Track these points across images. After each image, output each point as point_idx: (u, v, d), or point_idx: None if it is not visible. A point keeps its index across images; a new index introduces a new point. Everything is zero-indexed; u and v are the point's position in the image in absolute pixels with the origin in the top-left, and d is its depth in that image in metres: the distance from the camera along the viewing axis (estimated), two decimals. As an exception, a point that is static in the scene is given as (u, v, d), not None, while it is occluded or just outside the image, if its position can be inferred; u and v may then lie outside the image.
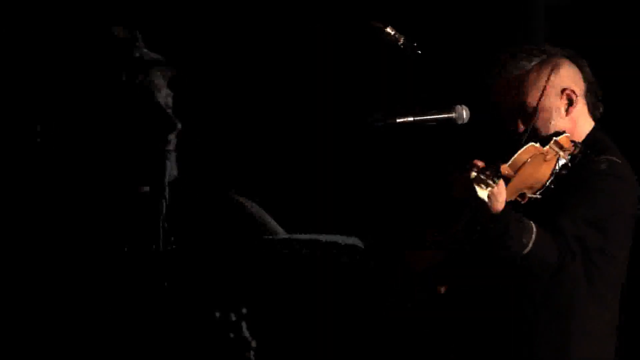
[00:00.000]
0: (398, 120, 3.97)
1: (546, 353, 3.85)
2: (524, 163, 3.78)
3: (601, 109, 4.08)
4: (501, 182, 3.66)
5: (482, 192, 3.66)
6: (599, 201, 3.85)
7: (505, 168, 3.74)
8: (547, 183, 3.81)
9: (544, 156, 3.83)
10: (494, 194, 3.65)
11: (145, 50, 2.60)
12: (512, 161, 3.80)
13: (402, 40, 4.40)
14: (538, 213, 3.79)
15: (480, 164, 3.68)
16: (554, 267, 3.75)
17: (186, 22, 4.28)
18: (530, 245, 3.69)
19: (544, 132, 3.95)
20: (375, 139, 3.84)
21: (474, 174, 3.67)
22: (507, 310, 3.88)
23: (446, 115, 3.99)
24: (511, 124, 4.00)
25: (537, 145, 3.85)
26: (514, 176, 3.74)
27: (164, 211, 2.28)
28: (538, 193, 3.81)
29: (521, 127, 3.98)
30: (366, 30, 4.47)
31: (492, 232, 3.70)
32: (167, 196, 2.32)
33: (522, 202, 3.81)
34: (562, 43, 5.12)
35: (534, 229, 3.71)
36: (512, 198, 3.80)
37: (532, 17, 5.14)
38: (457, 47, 4.35)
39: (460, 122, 3.97)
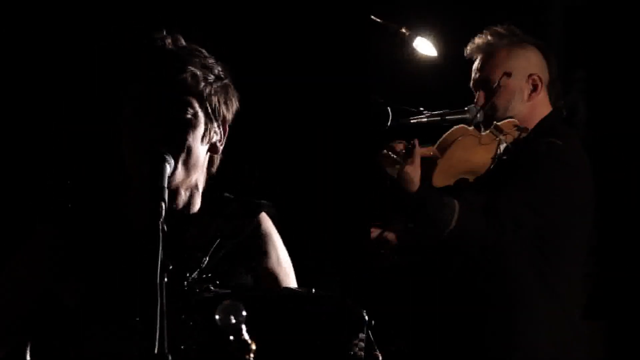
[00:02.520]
0: (412, 121, 4.00)
1: (493, 340, 3.84)
2: (452, 143, 3.78)
3: (562, 102, 4.07)
4: (415, 162, 3.67)
5: (391, 170, 3.71)
6: (535, 182, 3.81)
7: (428, 149, 3.76)
8: (491, 168, 3.83)
9: (477, 139, 3.84)
10: (403, 173, 3.68)
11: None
12: (439, 142, 3.82)
13: (416, 40, 4.42)
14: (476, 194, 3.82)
15: (399, 146, 3.72)
16: (482, 242, 3.74)
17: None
18: (454, 222, 3.70)
19: (501, 111, 3.96)
20: (389, 139, 3.85)
21: (383, 152, 3.72)
22: (458, 299, 3.89)
23: (460, 116, 4.01)
24: (475, 97, 4.02)
25: (470, 128, 3.86)
26: (440, 158, 3.76)
27: (163, 214, 2.27)
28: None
29: (481, 101, 4.00)
30: (381, 29, 4.49)
31: (410, 210, 3.74)
32: (165, 199, 2.30)
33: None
34: (579, 43, 5.13)
35: (457, 207, 3.71)
36: (450, 182, 3.82)
37: (550, 18, 5.14)
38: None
39: (474, 122, 3.98)
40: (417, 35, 4.44)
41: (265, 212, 2.69)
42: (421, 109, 4.02)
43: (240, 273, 2.59)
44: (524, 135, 3.85)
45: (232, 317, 2.02)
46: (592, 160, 4.00)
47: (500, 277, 3.84)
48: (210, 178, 2.63)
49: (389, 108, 3.95)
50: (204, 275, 2.41)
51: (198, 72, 2.50)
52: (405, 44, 4.43)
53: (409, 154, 3.68)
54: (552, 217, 3.83)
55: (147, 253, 2.25)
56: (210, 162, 2.62)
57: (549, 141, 3.84)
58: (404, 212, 3.80)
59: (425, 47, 4.46)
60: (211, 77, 2.53)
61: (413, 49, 4.45)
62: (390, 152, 3.72)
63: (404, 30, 4.44)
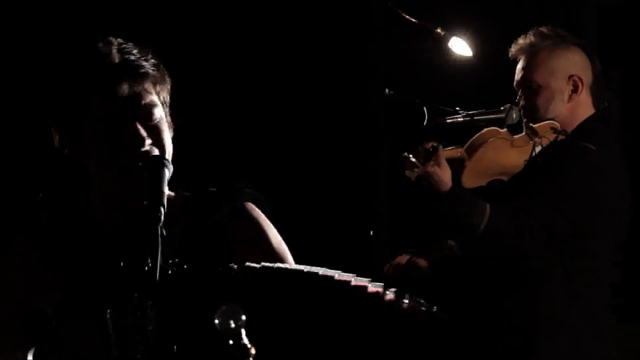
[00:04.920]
0: (448, 121, 3.99)
1: (514, 340, 3.81)
2: (481, 145, 3.76)
3: (606, 104, 4.03)
4: (440, 163, 3.65)
5: (410, 173, 3.70)
6: (566, 188, 3.77)
7: (456, 150, 3.74)
8: (524, 170, 3.81)
9: (509, 142, 3.80)
10: (427, 175, 3.66)
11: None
12: (468, 144, 3.80)
13: (451, 40, 4.42)
14: (507, 195, 3.79)
15: (423, 148, 3.71)
16: (512, 247, 3.71)
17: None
18: (483, 225, 3.67)
19: (542, 112, 3.92)
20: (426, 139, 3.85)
21: (404, 155, 3.72)
22: (480, 297, 3.88)
23: (496, 116, 3.99)
24: (517, 98, 4.00)
25: (502, 130, 3.83)
26: (469, 159, 3.74)
27: (162, 219, 2.23)
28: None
29: (521, 102, 3.97)
30: (416, 30, 4.49)
31: (439, 212, 3.72)
32: (165, 204, 2.27)
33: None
34: (614, 44, 5.11)
35: (488, 210, 3.68)
36: (482, 183, 3.79)
37: (584, 19, 5.13)
38: (507, 47, 4.33)
39: (509, 122, 3.97)
40: (452, 36, 4.44)
41: (249, 199, 2.59)
42: (457, 108, 4.01)
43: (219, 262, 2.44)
44: (561, 138, 3.81)
45: (232, 322, 1.99)
46: (627, 161, 3.97)
47: (525, 278, 3.82)
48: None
49: (425, 108, 3.95)
50: (171, 261, 2.29)
51: (152, 72, 2.46)
52: (440, 44, 4.43)
53: (430, 155, 3.66)
54: (581, 221, 3.78)
55: (117, 254, 2.25)
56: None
57: (582, 145, 3.80)
58: (434, 214, 3.78)
59: (460, 47, 4.45)
60: (155, 71, 2.47)
61: (448, 49, 4.45)
62: (410, 155, 3.71)
63: (439, 30, 4.44)
